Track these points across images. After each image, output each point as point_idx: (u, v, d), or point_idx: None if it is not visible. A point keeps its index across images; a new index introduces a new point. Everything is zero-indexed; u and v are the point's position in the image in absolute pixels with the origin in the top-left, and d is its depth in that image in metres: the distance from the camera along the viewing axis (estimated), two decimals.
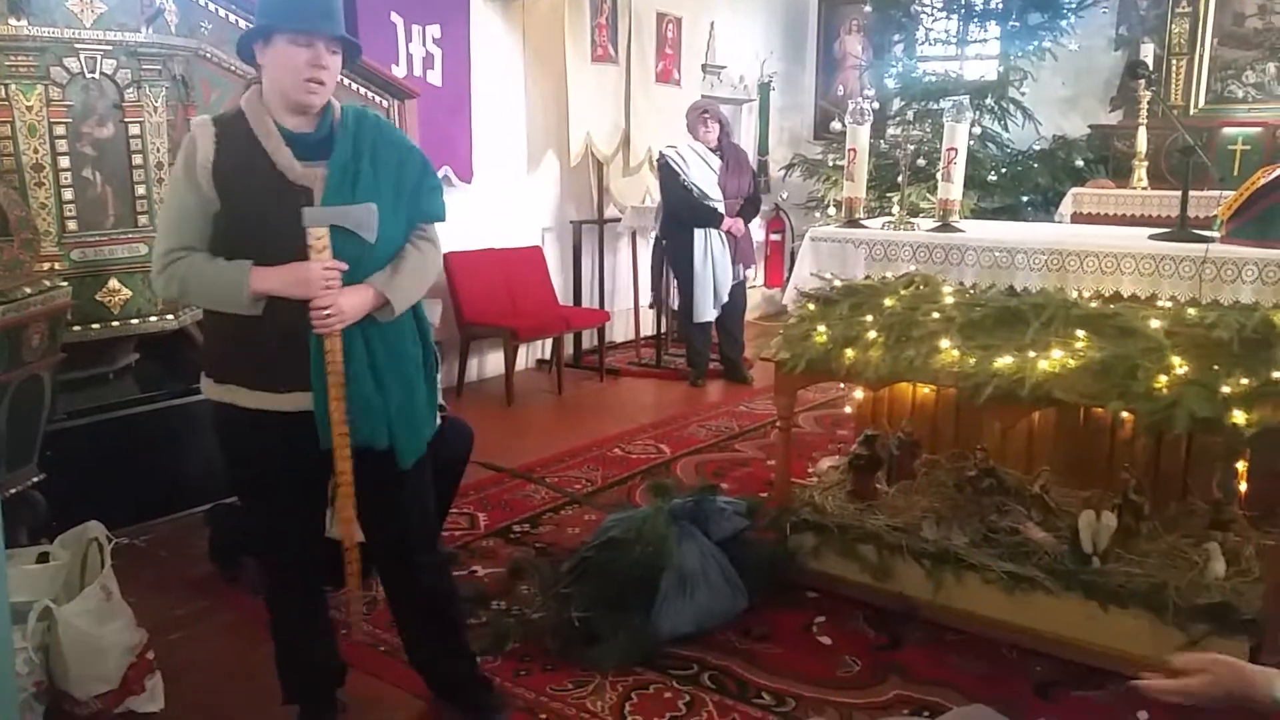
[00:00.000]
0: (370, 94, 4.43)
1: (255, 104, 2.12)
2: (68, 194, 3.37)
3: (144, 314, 3.57)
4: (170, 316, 3.63)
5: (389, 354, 2.19)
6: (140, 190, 3.51)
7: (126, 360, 3.85)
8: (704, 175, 6.00)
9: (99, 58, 3.35)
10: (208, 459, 3.69)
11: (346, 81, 4.36)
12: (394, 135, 2.27)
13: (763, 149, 8.48)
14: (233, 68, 4.06)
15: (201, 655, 2.82)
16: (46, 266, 3.27)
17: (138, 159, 3.50)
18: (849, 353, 3.05)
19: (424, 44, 5.60)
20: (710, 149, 6.06)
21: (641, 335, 7.09)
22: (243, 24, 4.07)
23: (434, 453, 2.39)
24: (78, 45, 3.30)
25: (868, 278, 3.43)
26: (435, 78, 5.67)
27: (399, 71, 5.34)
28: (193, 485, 3.72)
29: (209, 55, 3.97)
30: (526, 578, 3.20)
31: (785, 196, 8.39)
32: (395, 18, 5.42)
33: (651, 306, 6.96)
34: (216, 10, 3.99)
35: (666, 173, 6.10)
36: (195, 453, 3.73)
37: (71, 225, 3.39)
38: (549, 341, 6.40)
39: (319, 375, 2.10)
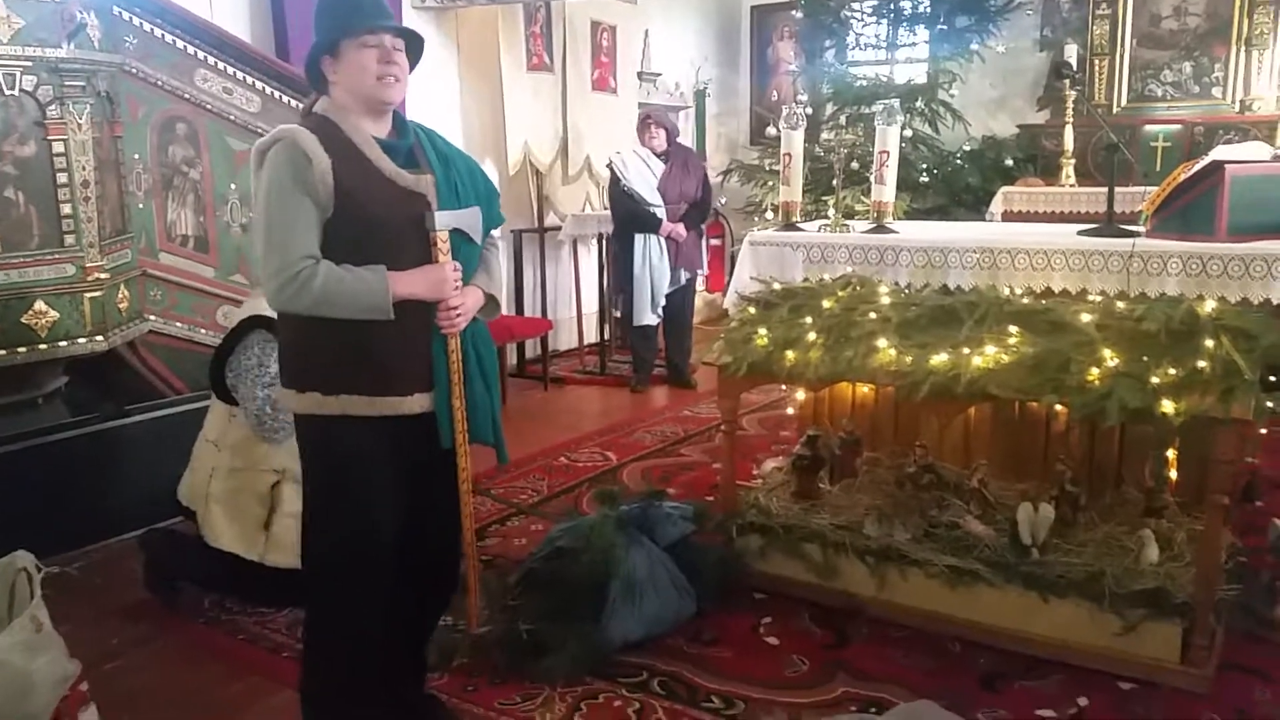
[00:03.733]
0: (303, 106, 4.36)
1: (340, 113, 2.14)
2: None
3: (72, 336, 3.47)
4: (100, 338, 3.54)
5: (489, 353, 2.34)
6: (66, 209, 3.41)
7: (55, 384, 3.75)
8: (643, 180, 6.01)
9: (18, 74, 3.26)
10: (141, 483, 3.64)
11: (278, 95, 4.30)
12: (457, 147, 2.37)
13: (700, 155, 8.51)
14: (159, 83, 3.99)
15: (139, 684, 2.75)
16: None
17: (63, 178, 3.39)
18: (790, 354, 3.07)
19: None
20: (657, 154, 6.09)
21: (585, 343, 7.08)
22: (168, 37, 4.00)
23: None
24: None
25: (806, 280, 3.47)
26: None
27: None
28: (126, 510, 3.63)
29: (135, 70, 3.89)
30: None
31: (724, 201, 8.44)
32: None
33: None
34: (141, 24, 3.91)
35: (611, 179, 6.16)
36: (128, 477, 3.66)
37: None
38: None
39: (443, 375, 2.19)
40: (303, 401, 2.15)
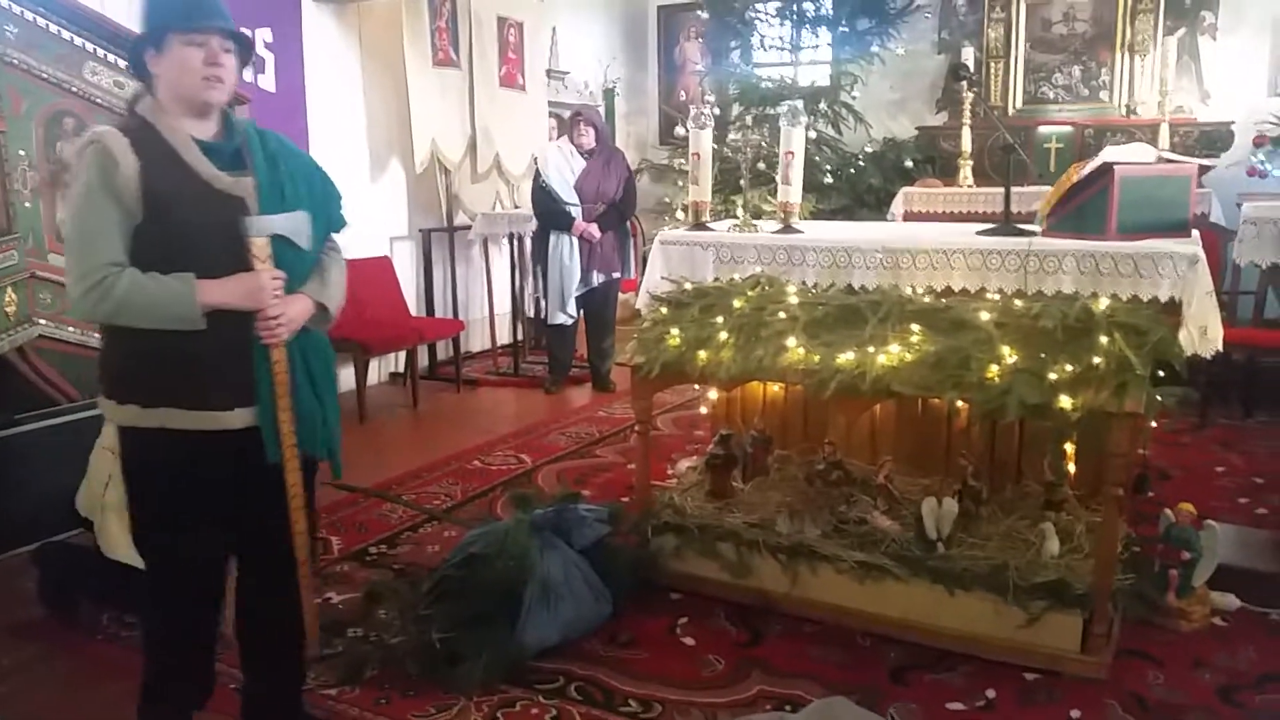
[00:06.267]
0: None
1: (160, 114, 2.07)
2: None
3: None
4: None
5: (320, 363, 2.26)
6: None
7: None
8: (560, 177, 5.97)
9: None
10: (35, 494, 3.47)
11: None
12: (293, 147, 2.28)
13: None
14: (44, 75, 3.81)
15: (35, 707, 2.64)
16: None
17: None
18: (702, 354, 3.09)
19: (255, 48, 5.40)
20: (583, 153, 6.04)
21: (498, 344, 7.02)
22: (52, 28, 3.83)
23: None
24: None
25: (716, 280, 3.49)
26: (267, 83, 5.47)
27: None
28: (20, 523, 3.46)
29: (16, 61, 3.71)
30: (384, 601, 3.11)
31: None
32: None
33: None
34: (22, 13, 3.72)
35: (535, 174, 6.12)
36: (21, 488, 3.49)
37: None
38: (402, 354, 6.26)
39: (265, 388, 2.10)
40: (122, 414, 2.09)
